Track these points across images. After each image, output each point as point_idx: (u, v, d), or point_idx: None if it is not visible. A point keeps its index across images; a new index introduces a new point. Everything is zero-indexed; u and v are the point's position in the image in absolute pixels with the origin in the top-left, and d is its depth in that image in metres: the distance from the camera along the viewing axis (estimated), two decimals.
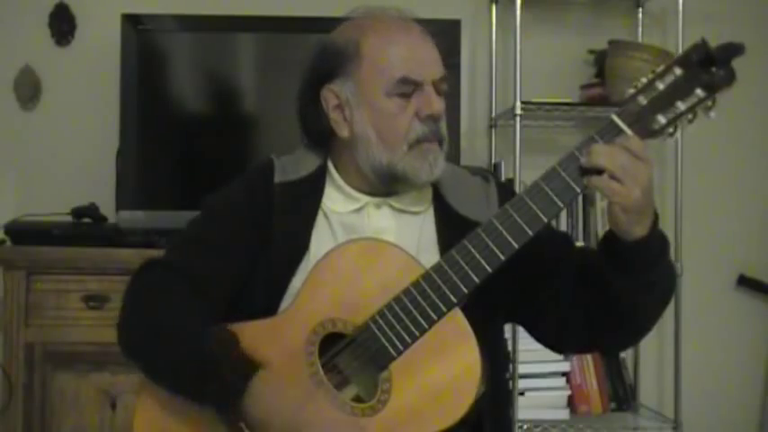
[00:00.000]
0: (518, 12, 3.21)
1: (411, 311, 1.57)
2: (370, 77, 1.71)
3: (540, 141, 3.49)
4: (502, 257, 1.56)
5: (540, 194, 1.55)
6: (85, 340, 2.95)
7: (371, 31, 1.73)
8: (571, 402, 3.31)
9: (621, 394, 3.42)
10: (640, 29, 3.56)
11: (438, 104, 1.70)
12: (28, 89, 3.44)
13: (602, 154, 1.51)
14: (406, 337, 1.56)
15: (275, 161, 1.81)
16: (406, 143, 1.70)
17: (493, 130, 3.55)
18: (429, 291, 1.57)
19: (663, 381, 3.54)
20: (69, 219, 3.16)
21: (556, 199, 1.55)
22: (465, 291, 1.56)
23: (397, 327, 1.57)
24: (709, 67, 1.51)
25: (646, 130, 1.53)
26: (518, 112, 3.19)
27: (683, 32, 3.25)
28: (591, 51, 3.50)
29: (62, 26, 3.45)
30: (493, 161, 3.52)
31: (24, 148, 3.46)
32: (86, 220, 3.18)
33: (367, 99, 1.71)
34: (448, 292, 1.56)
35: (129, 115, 3.22)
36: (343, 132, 1.74)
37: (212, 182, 1.85)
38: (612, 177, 1.50)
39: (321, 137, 1.80)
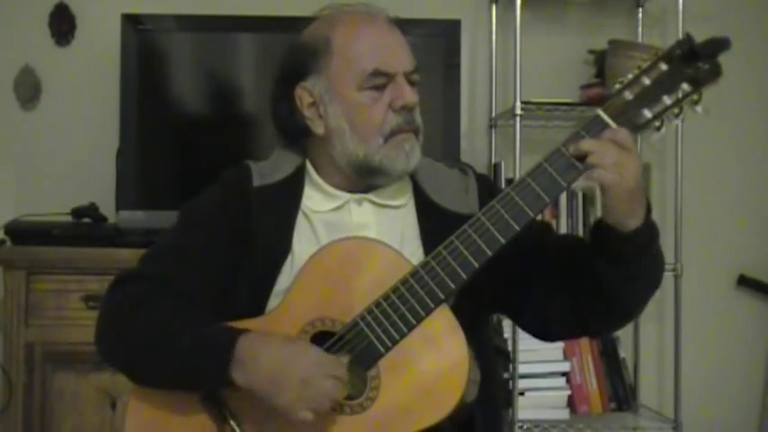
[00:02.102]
0: (518, 12, 3.20)
1: (399, 308, 1.57)
2: (342, 72, 1.71)
3: (540, 141, 3.47)
4: (489, 253, 1.56)
5: (527, 190, 1.56)
6: (85, 340, 2.82)
7: (340, 26, 1.73)
8: (571, 402, 3.30)
9: (621, 394, 3.40)
10: (640, 29, 3.55)
11: (411, 95, 1.71)
12: (28, 89, 3.44)
13: (592, 150, 1.52)
14: (394, 334, 1.57)
15: (252, 166, 1.80)
16: (381, 135, 1.70)
17: (493, 130, 3.55)
18: (417, 287, 1.57)
19: (663, 381, 3.53)
20: (69, 219, 3.17)
21: (542, 194, 1.56)
22: (453, 287, 1.56)
23: (386, 323, 1.57)
24: (694, 62, 1.51)
25: (631, 123, 1.54)
26: (518, 112, 3.18)
27: (683, 32, 3.22)
28: (591, 51, 3.49)
29: (62, 26, 3.45)
30: (493, 161, 3.51)
31: (24, 148, 3.47)
32: (86, 219, 3.18)
33: (340, 94, 1.71)
34: (436, 289, 1.56)
35: (129, 115, 3.23)
36: (319, 129, 1.74)
37: (212, 182, 1.84)
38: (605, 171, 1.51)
39: (297, 136, 1.80)
